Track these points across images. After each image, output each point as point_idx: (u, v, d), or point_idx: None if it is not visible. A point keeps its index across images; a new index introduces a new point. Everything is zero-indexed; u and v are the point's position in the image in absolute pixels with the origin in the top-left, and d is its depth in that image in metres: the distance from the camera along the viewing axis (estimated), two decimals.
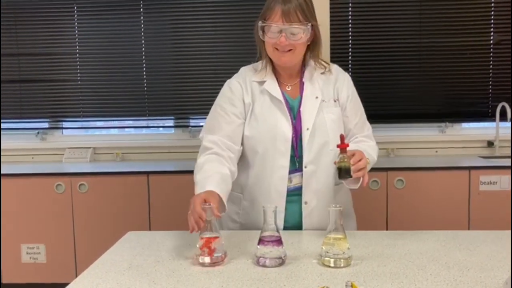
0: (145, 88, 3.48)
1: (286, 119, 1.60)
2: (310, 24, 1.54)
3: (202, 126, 3.45)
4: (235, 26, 3.39)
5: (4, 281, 2.99)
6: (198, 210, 1.30)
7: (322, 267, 1.26)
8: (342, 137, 1.47)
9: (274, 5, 1.53)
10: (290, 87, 1.66)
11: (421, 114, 3.36)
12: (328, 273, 1.21)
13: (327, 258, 1.27)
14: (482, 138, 3.34)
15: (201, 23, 3.40)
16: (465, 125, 3.43)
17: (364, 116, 1.74)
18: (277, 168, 1.60)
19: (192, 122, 3.50)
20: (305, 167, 1.60)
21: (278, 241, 1.28)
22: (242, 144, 1.64)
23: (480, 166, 2.84)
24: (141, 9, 3.42)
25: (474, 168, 2.82)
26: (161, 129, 3.59)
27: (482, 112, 3.35)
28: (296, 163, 1.61)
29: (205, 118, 3.64)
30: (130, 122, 3.60)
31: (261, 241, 1.29)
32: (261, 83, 1.65)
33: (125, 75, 3.46)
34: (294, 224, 1.63)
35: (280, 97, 1.61)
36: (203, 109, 3.45)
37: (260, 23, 1.57)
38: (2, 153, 3.49)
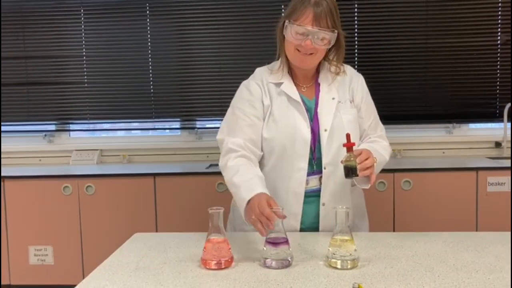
0: (152, 91, 3.49)
1: (304, 121, 1.59)
2: (336, 31, 1.53)
3: (208, 128, 3.54)
4: (240, 28, 3.39)
5: (12, 282, 3.01)
6: (268, 213, 1.28)
7: (329, 268, 1.26)
8: (348, 136, 1.46)
9: (305, 7, 1.50)
10: (305, 88, 1.65)
11: (428, 115, 3.35)
12: (335, 275, 1.21)
13: (334, 260, 1.27)
14: (489, 139, 3.32)
15: (207, 26, 3.41)
16: (472, 125, 3.41)
17: (377, 116, 1.74)
18: (296, 171, 1.58)
19: (198, 124, 3.50)
20: (324, 168, 1.58)
21: (285, 243, 1.28)
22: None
23: (488, 167, 2.82)
24: (147, 12, 3.44)
25: (482, 169, 2.81)
26: (167, 131, 3.60)
27: (489, 113, 3.33)
28: (314, 165, 1.60)
29: (211, 120, 3.68)
30: (137, 124, 3.61)
31: (267, 242, 1.29)
32: (278, 84, 1.63)
33: (132, 77, 3.48)
34: (310, 225, 1.62)
35: (298, 98, 1.60)
36: (209, 111, 3.46)
37: (287, 23, 1.53)
38: (10, 156, 3.52)
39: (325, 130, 1.58)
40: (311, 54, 1.55)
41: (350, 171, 1.43)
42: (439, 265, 1.27)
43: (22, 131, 3.57)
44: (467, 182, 2.80)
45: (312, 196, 1.60)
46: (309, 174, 1.59)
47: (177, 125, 3.55)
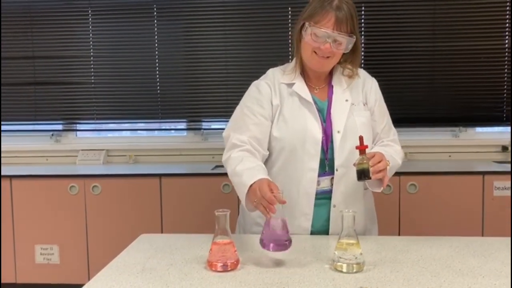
0: (158, 91, 3.50)
1: (316, 121, 1.58)
2: (354, 37, 1.53)
3: (214, 129, 3.53)
4: (247, 30, 3.40)
5: (18, 281, 3.02)
6: (270, 197, 1.30)
7: (335, 272, 1.26)
8: (361, 139, 1.46)
9: (327, 10, 1.50)
10: (318, 89, 1.65)
11: (435, 118, 3.34)
12: (340, 278, 1.21)
13: (339, 263, 1.27)
14: (496, 142, 3.31)
15: (214, 26, 3.41)
16: (479, 129, 3.40)
17: (390, 120, 1.74)
18: (307, 171, 1.58)
19: (204, 125, 3.51)
20: (337, 170, 1.58)
21: (283, 226, 1.30)
22: (268, 148, 1.63)
23: (494, 171, 2.82)
24: (155, 13, 3.45)
25: (488, 173, 2.80)
26: (173, 131, 3.61)
27: (496, 117, 3.31)
28: (326, 166, 1.60)
29: (217, 121, 3.67)
30: (143, 124, 3.62)
31: (266, 225, 1.31)
32: (290, 85, 1.63)
33: (138, 78, 3.49)
34: (320, 228, 1.62)
35: (310, 99, 1.60)
36: (215, 112, 3.46)
37: (307, 25, 1.52)
38: (17, 155, 3.54)
39: (338, 132, 1.58)
40: (328, 57, 1.55)
41: (362, 174, 1.43)
42: (445, 270, 1.27)
43: (29, 131, 3.59)
44: (473, 186, 2.79)
45: (323, 198, 1.60)
46: (320, 175, 1.59)
47: (183, 125, 3.56)
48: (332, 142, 1.59)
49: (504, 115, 3.29)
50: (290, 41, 3.37)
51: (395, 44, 3.30)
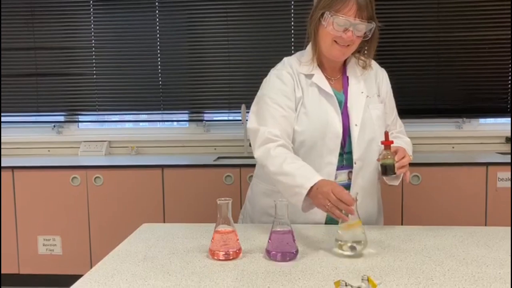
0: (160, 83, 3.49)
1: (337, 114, 1.55)
2: (374, 23, 1.51)
3: (216, 120, 3.53)
4: (250, 22, 3.38)
5: (21, 271, 3.03)
6: (348, 199, 1.27)
7: (338, 260, 1.25)
8: (386, 134, 1.44)
9: None
10: (333, 80, 1.62)
11: (438, 110, 3.32)
12: (343, 267, 1.20)
13: (342, 242, 1.27)
14: (500, 134, 3.29)
15: (216, 18, 3.40)
16: (482, 120, 3.38)
17: (397, 112, 1.73)
18: (325, 165, 1.55)
19: (207, 117, 3.50)
20: (355, 163, 1.56)
21: (290, 236, 1.27)
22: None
23: (498, 162, 2.80)
24: (157, 4, 3.43)
25: (492, 164, 2.78)
26: (175, 123, 3.60)
27: (500, 108, 3.30)
28: (344, 160, 1.58)
29: (219, 113, 3.66)
30: (145, 116, 3.62)
31: (272, 235, 1.28)
32: (309, 76, 1.59)
33: (140, 69, 3.48)
34: (335, 221, 1.60)
35: (331, 91, 1.57)
36: (218, 104, 3.45)
37: (328, 14, 1.47)
38: (19, 146, 3.54)
39: (356, 125, 1.56)
40: (348, 46, 1.52)
41: (387, 169, 1.43)
42: (448, 259, 1.26)
43: (31, 122, 3.59)
44: (476, 177, 2.78)
45: None
46: (338, 169, 1.57)
47: (185, 117, 3.55)
48: (349, 135, 1.57)
49: (508, 106, 3.27)
50: (292, 32, 3.35)
51: (399, 34, 3.28)
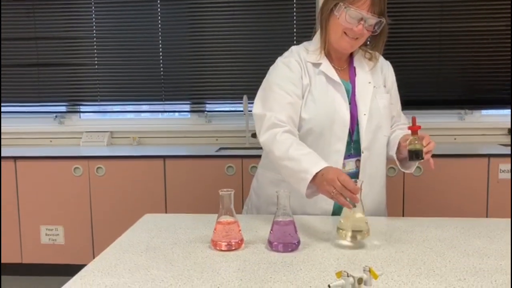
0: (162, 73, 3.48)
1: (344, 103, 1.56)
2: (384, 19, 1.51)
3: (218, 111, 3.52)
4: (252, 12, 3.36)
5: (24, 261, 3.05)
6: (353, 187, 1.26)
7: (339, 251, 1.25)
8: (414, 119, 1.44)
9: None
10: (340, 70, 1.62)
11: (440, 101, 3.31)
12: (345, 258, 1.21)
13: (344, 231, 1.27)
14: (502, 125, 3.28)
15: (218, 8, 3.38)
16: (484, 112, 3.37)
17: (400, 105, 1.74)
18: (333, 153, 1.55)
19: (208, 107, 3.50)
20: (363, 152, 1.57)
21: (292, 226, 1.27)
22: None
23: (500, 154, 2.80)
24: None
25: (494, 155, 2.78)
26: (177, 114, 3.60)
27: (503, 99, 3.28)
28: (352, 148, 1.58)
29: (221, 104, 3.65)
30: (147, 106, 3.62)
31: (274, 225, 1.28)
32: (317, 64, 1.59)
33: (142, 59, 3.47)
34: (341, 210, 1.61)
35: (338, 79, 1.57)
36: (219, 94, 3.44)
37: (342, 6, 1.48)
38: (21, 136, 3.55)
39: (364, 114, 1.57)
40: (357, 38, 1.53)
41: (415, 155, 1.43)
42: (450, 250, 1.26)
43: (32, 112, 3.59)
44: (478, 168, 2.78)
45: None
46: (345, 157, 1.57)
47: (187, 108, 3.55)
48: (357, 124, 1.57)
49: (511, 98, 3.25)
50: (295, 23, 3.33)
51: (401, 25, 3.26)
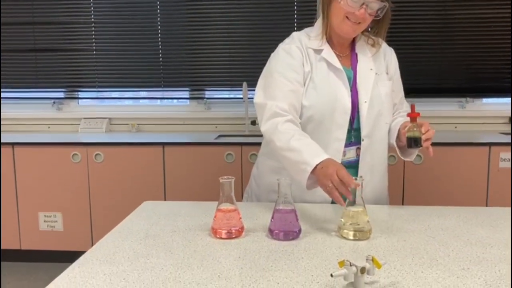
0: (161, 59, 3.44)
1: (346, 90, 1.53)
2: (387, 4, 1.49)
3: (217, 98, 3.49)
4: None
5: (22, 247, 3.05)
6: (349, 180, 1.25)
7: (341, 240, 1.24)
8: (413, 107, 1.43)
9: None
10: (341, 57, 1.59)
11: (441, 89, 3.29)
12: (347, 247, 1.19)
13: (345, 230, 1.25)
14: (503, 114, 3.27)
15: None
16: (485, 100, 3.35)
17: (403, 93, 1.72)
18: (333, 141, 1.53)
19: (207, 94, 3.47)
20: (363, 140, 1.55)
21: (293, 215, 1.26)
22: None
23: (501, 143, 2.79)
24: None
25: (494, 144, 2.77)
26: (175, 100, 3.57)
27: (504, 88, 3.26)
28: (352, 136, 1.56)
29: (220, 90, 3.63)
30: (145, 93, 3.59)
31: (275, 214, 1.27)
32: (318, 51, 1.56)
33: (141, 45, 3.43)
34: (345, 198, 1.60)
35: (340, 66, 1.54)
36: (219, 81, 3.41)
37: None
38: (19, 122, 3.52)
39: (365, 102, 1.54)
40: (359, 23, 1.50)
41: (413, 142, 1.41)
42: (452, 239, 1.25)
43: (30, 98, 3.56)
44: (479, 157, 2.77)
45: (349, 168, 1.54)
46: (346, 145, 1.55)
47: (186, 94, 3.52)
48: (358, 111, 1.55)
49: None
50: (295, 9, 3.29)
51: (402, 12, 3.22)
